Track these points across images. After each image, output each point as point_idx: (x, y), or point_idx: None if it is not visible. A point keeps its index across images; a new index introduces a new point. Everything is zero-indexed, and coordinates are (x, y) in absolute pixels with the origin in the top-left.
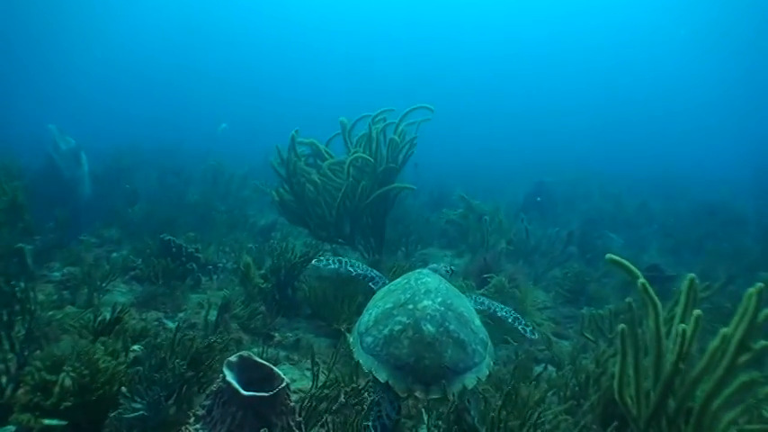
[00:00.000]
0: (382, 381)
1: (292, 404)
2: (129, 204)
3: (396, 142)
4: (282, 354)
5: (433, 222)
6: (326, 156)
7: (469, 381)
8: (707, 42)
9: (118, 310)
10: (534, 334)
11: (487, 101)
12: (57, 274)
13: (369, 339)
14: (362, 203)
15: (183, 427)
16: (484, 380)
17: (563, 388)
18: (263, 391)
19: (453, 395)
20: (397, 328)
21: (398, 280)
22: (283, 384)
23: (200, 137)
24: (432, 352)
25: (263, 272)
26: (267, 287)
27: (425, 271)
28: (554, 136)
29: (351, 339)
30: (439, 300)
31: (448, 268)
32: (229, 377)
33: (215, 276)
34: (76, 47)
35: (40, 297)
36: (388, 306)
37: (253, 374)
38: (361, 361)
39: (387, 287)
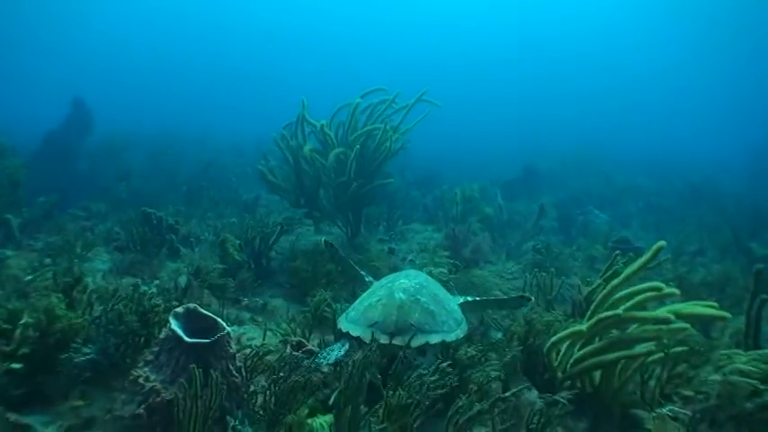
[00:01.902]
0: (354, 335)
1: (233, 351)
2: (118, 180)
3: (398, 132)
4: (248, 315)
5: (416, 200)
6: (328, 140)
7: (433, 339)
8: (704, 30)
9: (77, 273)
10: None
11: (485, 89)
12: (42, 243)
13: (353, 314)
14: (357, 194)
15: (132, 371)
16: (449, 342)
17: (501, 348)
18: (205, 339)
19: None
20: (375, 299)
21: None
22: (223, 333)
23: (198, 123)
24: (400, 311)
25: (239, 242)
26: (242, 257)
27: (416, 270)
28: (552, 123)
29: (338, 318)
30: (416, 281)
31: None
32: (174, 326)
33: (196, 248)
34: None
35: (23, 263)
36: (373, 289)
37: (199, 324)
38: (342, 327)
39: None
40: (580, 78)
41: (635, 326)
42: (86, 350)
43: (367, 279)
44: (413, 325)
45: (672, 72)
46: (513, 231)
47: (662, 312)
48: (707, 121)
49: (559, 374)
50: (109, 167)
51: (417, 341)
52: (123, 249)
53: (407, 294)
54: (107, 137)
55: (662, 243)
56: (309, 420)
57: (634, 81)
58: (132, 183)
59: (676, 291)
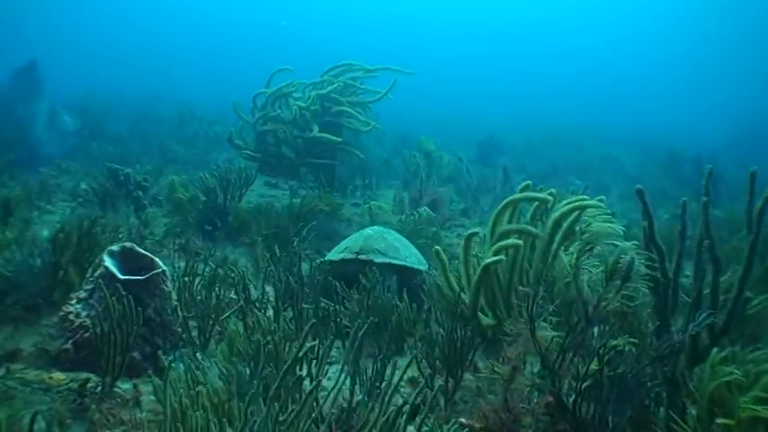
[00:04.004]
0: (328, 260)
1: (168, 289)
2: (91, 139)
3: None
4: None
5: (392, 164)
6: (308, 115)
7: (395, 261)
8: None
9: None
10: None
11: (468, 64)
12: None
13: (332, 251)
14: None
15: (63, 307)
16: (410, 268)
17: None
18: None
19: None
20: (348, 239)
21: None
22: (158, 271)
23: (183, 88)
24: (367, 240)
25: (203, 199)
26: (188, 197)
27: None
28: (537, 96)
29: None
30: (385, 229)
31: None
32: (108, 263)
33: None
34: None
35: None
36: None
37: (136, 264)
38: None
39: None
40: (563, 58)
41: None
42: None
43: None
44: (377, 250)
45: (657, 45)
46: (486, 196)
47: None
48: (693, 93)
49: (469, 303)
50: (84, 129)
51: (380, 259)
52: (86, 205)
53: (375, 232)
54: (83, 99)
55: (550, 195)
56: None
57: (618, 61)
58: (108, 143)
59: (549, 198)
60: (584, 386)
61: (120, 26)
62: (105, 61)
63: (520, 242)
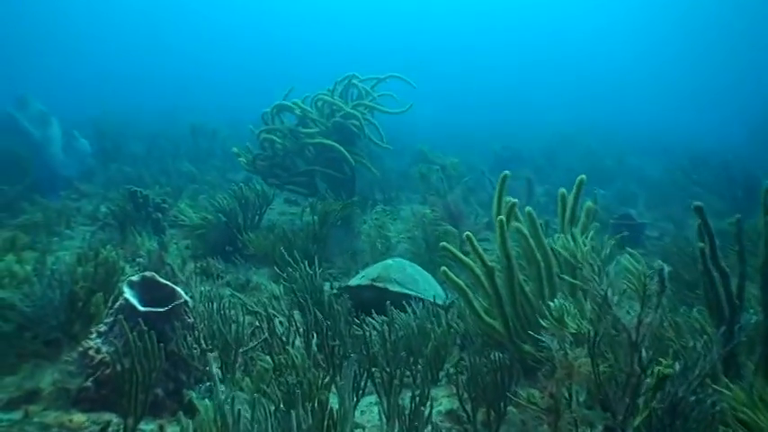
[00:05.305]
0: (353, 285)
1: (191, 320)
2: (109, 161)
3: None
4: (227, 292)
5: (409, 177)
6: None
7: (410, 293)
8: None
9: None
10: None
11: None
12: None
13: (353, 279)
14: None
15: (83, 342)
16: (425, 299)
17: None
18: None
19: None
20: (370, 267)
21: None
22: (180, 302)
23: (197, 103)
24: (385, 269)
25: (224, 220)
26: (214, 228)
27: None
28: (549, 105)
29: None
30: (400, 262)
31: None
32: (128, 294)
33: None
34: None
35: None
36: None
37: (157, 294)
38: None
39: None
40: (558, 58)
41: None
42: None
43: None
44: (395, 279)
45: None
46: None
47: None
48: (709, 98)
49: (505, 334)
50: (102, 150)
51: (395, 288)
52: (106, 228)
53: (396, 263)
54: (99, 121)
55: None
56: None
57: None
58: (126, 164)
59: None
60: (641, 420)
61: (134, 47)
62: (119, 82)
63: (502, 217)
